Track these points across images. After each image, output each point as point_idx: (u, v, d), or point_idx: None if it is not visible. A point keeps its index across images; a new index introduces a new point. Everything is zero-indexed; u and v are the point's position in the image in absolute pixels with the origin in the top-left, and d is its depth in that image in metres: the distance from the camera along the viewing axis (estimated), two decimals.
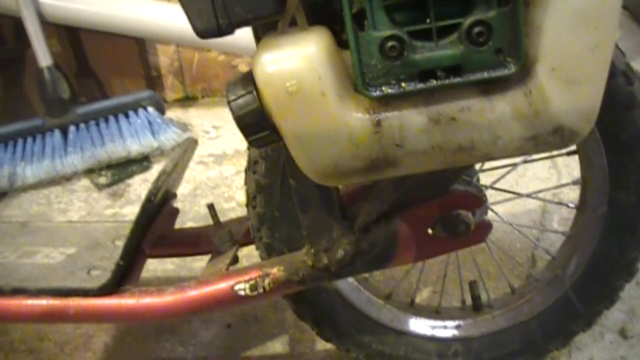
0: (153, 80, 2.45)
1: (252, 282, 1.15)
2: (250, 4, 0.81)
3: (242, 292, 1.16)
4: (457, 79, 0.80)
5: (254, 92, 0.86)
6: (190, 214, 1.90)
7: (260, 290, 1.15)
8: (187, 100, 2.51)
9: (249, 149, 1.19)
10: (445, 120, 0.83)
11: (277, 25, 0.87)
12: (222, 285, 1.17)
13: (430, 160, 0.86)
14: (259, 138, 0.89)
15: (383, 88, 0.80)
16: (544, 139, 0.85)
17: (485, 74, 0.80)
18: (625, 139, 1.13)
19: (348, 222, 1.11)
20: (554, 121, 0.83)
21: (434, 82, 0.80)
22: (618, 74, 1.10)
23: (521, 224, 1.68)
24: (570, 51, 0.81)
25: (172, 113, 2.42)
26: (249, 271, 1.17)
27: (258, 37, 0.93)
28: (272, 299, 1.19)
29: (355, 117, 0.82)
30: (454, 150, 0.85)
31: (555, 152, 1.30)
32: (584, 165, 1.24)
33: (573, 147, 1.24)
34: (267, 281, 1.15)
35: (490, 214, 1.22)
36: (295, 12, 0.84)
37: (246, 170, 1.20)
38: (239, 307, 1.21)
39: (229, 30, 0.84)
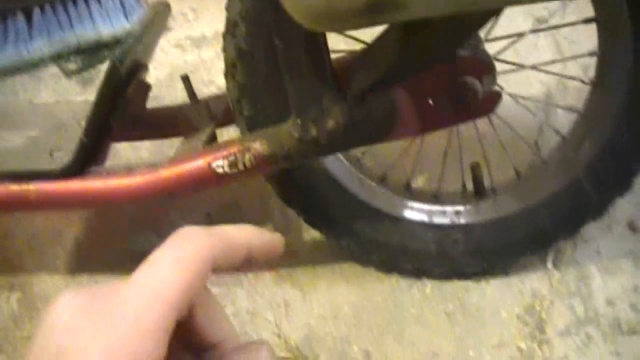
0: None
1: (232, 158, 1.04)
2: None
3: (220, 170, 1.05)
4: None
5: None
6: (167, 99, 1.77)
7: (241, 167, 1.04)
8: None
9: (227, 10, 1.05)
10: None
11: None
12: (198, 163, 1.06)
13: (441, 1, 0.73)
14: None
15: None
16: None
17: None
18: None
19: (341, 90, 0.99)
20: None
21: None
22: None
23: (532, 99, 1.57)
24: None
25: None
26: (228, 146, 1.05)
27: None
28: (254, 176, 1.08)
29: None
30: None
31: (570, 21, 1.19)
32: (605, 34, 1.13)
33: (590, 14, 1.12)
34: (247, 156, 1.03)
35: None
36: None
37: (224, 35, 1.07)
38: (217, 187, 1.09)
39: None
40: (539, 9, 1.92)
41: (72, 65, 2.00)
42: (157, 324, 0.38)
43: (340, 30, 0.81)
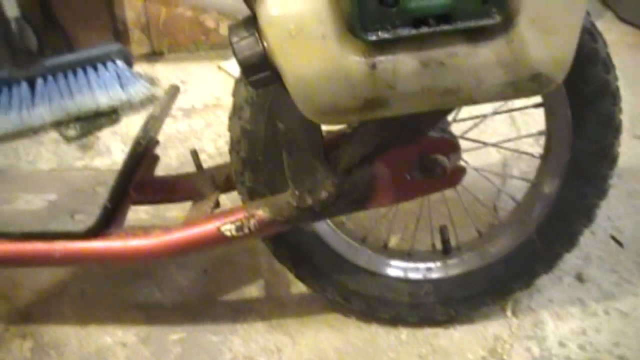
0: (119, 34, 2.44)
1: (238, 222, 1.20)
2: None
3: (228, 233, 1.21)
4: (447, 26, 0.86)
5: (256, 34, 0.91)
6: (161, 164, 1.90)
7: (246, 230, 1.20)
8: (153, 56, 2.52)
9: (233, 95, 1.23)
10: (434, 64, 0.89)
11: None
12: (209, 226, 1.22)
13: (419, 102, 0.93)
14: (259, 79, 0.94)
15: (379, 33, 0.86)
16: (523, 84, 0.92)
17: (473, 23, 0.86)
18: (589, 92, 1.21)
19: (331, 165, 1.17)
20: (533, 68, 0.90)
21: (425, 29, 0.86)
22: (584, 32, 1.17)
23: (492, 172, 1.76)
24: (548, 4, 0.87)
25: (139, 67, 2.43)
26: (235, 212, 1.22)
27: None
28: (257, 238, 1.24)
29: (352, 60, 0.88)
30: (441, 93, 0.91)
31: (522, 105, 1.39)
32: (549, 116, 1.31)
33: (539, 100, 1.32)
34: (252, 222, 1.20)
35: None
36: None
37: (230, 117, 1.24)
38: (224, 247, 1.25)
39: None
40: None
41: (71, 132, 2.14)
42: None
43: (339, 123, 0.99)
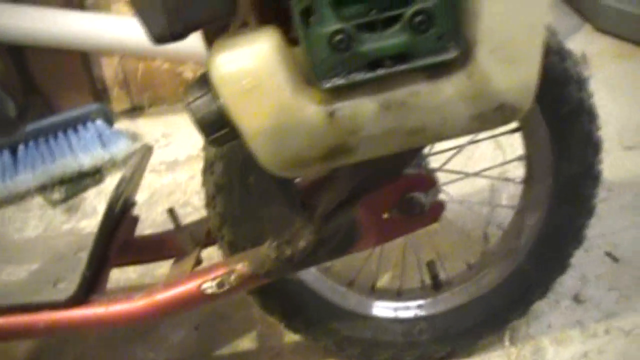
0: (99, 93, 2.45)
1: (219, 279, 1.18)
2: (203, 9, 0.84)
3: (209, 291, 1.18)
4: (404, 66, 0.84)
5: (211, 93, 0.89)
6: (148, 221, 1.91)
7: (227, 286, 1.18)
8: (135, 111, 2.52)
9: (204, 150, 1.21)
10: (395, 105, 0.87)
11: (228, 28, 0.91)
12: (189, 286, 1.19)
13: (384, 145, 0.91)
14: (218, 137, 0.92)
15: (334, 79, 0.84)
16: (489, 116, 0.90)
17: (429, 60, 0.84)
18: (564, 112, 1.19)
19: (308, 213, 1.15)
20: (496, 99, 0.88)
21: (381, 71, 0.84)
22: (552, 53, 1.15)
23: (475, 202, 1.74)
24: (506, 33, 0.86)
25: (121, 124, 2.42)
26: (215, 269, 1.19)
27: (209, 41, 0.96)
28: (239, 294, 1.22)
29: (310, 109, 0.86)
30: (406, 134, 0.89)
31: (499, 132, 1.37)
32: (528, 141, 1.30)
33: (516, 125, 1.30)
34: (233, 277, 1.18)
35: (443, 196, 1.27)
36: (246, 14, 0.88)
37: (203, 172, 1.22)
38: (207, 305, 1.23)
39: (184, 34, 0.87)
40: None
41: (56, 195, 2.13)
42: None
43: (305, 174, 0.97)
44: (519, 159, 1.36)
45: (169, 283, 1.23)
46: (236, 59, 0.85)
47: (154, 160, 2.18)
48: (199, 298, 1.20)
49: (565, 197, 1.27)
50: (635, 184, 1.90)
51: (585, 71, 2.32)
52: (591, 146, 1.22)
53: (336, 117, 0.86)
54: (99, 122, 2.17)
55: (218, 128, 0.91)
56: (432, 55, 0.84)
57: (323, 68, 0.84)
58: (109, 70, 2.42)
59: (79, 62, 2.34)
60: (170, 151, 2.24)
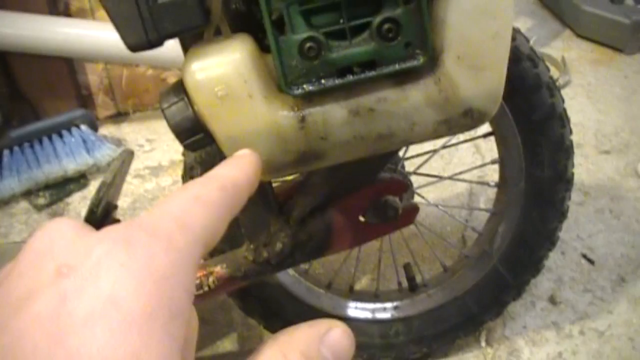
0: (84, 99, 2.46)
1: (197, 281, 1.20)
2: (178, 18, 0.86)
3: None
4: (372, 73, 0.86)
5: (186, 99, 0.92)
6: None
7: (206, 288, 1.20)
8: (119, 116, 2.53)
9: (184, 155, 1.23)
10: (364, 111, 0.89)
11: (203, 36, 0.93)
12: None
13: (354, 150, 0.93)
14: (193, 142, 0.94)
15: (304, 86, 0.86)
16: (456, 121, 0.92)
17: (397, 67, 0.87)
18: (536, 117, 1.22)
19: (284, 216, 1.17)
20: (463, 104, 0.91)
21: (350, 77, 0.87)
22: (524, 59, 1.18)
23: (449, 205, 1.77)
24: (472, 40, 0.88)
25: (106, 130, 2.44)
26: None
27: (185, 48, 0.98)
28: (218, 296, 1.24)
29: (281, 115, 0.88)
30: (375, 139, 0.92)
31: (472, 136, 1.40)
32: (501, 145, 1.33)
33: (489, 129, 1.33)
34: (211, 279, 1.20)
35: (421, 200, 1.30)
36: (219, 22, 0.90)
37: (183, 177, 1.24)
38: None
39: (159, 43, 0.89)
40: None
41: (41, 200, 2.14)
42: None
43: (277, 178, 0.99)
44: (492, 162, 1.39)
45: None
46: (209, 66, 0.87)
47: (137, 166, 2.20)
48: None
49: (538, 200, 1.30)
50: (611, 187, 1.93)
51: (564, 76, 2.38)
52: (563, 150, 1.25)
53: (307, 123, 0.89)
54: (84, 128, 2.19)
55: (193, 133, 0.93)
56: (399, 63, 0.86)
57: (294, 75, 0.86)
58: (93, 76, 2.44)
59: (64, 68, 2.35)
60: (154, 156, 2.26)
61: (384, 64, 0.87)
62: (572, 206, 1.33)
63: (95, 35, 2.20)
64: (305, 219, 1.17)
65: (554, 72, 2.57)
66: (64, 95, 2.40)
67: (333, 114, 0.89)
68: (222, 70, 0.87)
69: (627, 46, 2.71)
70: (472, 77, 0.90)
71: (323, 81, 0.87)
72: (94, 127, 2.23)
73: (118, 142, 2.34)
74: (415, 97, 0.90)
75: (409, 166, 1.36)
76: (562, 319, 1.55)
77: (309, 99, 0.89)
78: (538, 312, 1.57)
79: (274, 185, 1.22)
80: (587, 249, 1.74)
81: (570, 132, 1.26)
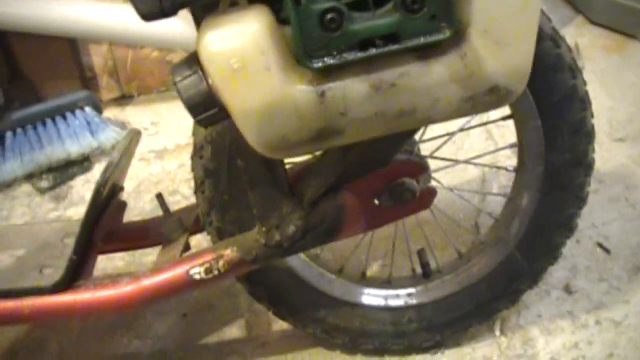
0: (88, 81, 2.41)
1: (207, 265, 1.17)
2: None
3: (197, 276, 1.17)
4: (395, 46, 0.83)
5: (200, 72, 0.88)
6: (135, 210, 1.89)
7: (215, 272, 1.17)
8: (124, 99, 2.49)
9: (193, 134, 1.20)
10: (385, 86, 0.86)
11: (216, 7, 0.89)
12: (178, 271, 1.18)
13: (374, 127, 0.89)
14: (206, 117, 0.90)
15: (324, 59, 0.83)
16: (481, 98, 0.89)
17: (422, 40, 0.83)
18: (556, 100, 1.18)
19: (297, 198, 1.14)
20: (489, 81, 0.87)
21: (373, 51, 0.83)
22: (546, 38, 1.14)
23: (464, 190, 1.73)
24: (499, 14, 0.85)
25: (110, 112, 2.40)
26: (203, 254, 1.18)
27: (198, 20, 0.94)
28: (228, 280, 1.21)
29: (299, 90, 0.85)
30: (396, 115, 0.88)
31: (491, 119, 1.36)
32: (519, 128, 1.29)
33: (508, 112, 1.29)
34: (221, 263, 1.16)
35: (433, 183, 1.26)
36: None
37: (192, 157, 1.21)
38: (195, 291, 1.21)
39: (172, 12, 0.85)
40: None
41: (44, 183, 2.11)
42: None
43: (293, 156, 0.96)
44: (510, 146, 1.35)
45: (156, 269, 1.22)
46: (225, 37, 0.84)
47: (142, 149, 2.17)
48: (186, 284, 1.18)
49: (556, 185, 1.26)
50: (625, 175, 1.90)
51: (578, 62, 2.33)
52: (584, 134, 1.21)
53: (326, 98, 0.85)
54: (88, 110, 2.15)
55: (206, 108, 0.89)
56: (423, 36, 0.83)
57: (313, 47, 0.82)
58: (97, 58, 2.39)
59: (66, 49, 2.31)
60: (159, 139, 2.22)
61: (408, 37, 0.83)
62: None
63: (99, 14, 2.17)
64: (318, 201, 1.14)
65: None
66: (66, 76, 2.36)
67: (353, 89, 0.85)
68: (239, 41, 0.83)
69: None
70: (498, 53, 0.86)
71: (344, 54, 0.83)
72: (98, 109, 2.19)
73: (122, 125, 2.30)
74: (439, 72, 0.86)
75: (422, 151, 1.32)
76: (577, 308, 1.51)
77: (329, 72, 0.85)
78: (553, 300, 1.53)
79: (287, 167, 1.19)
80: (602, 237, 1.70)
81: (592, 115, 1.22)
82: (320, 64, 0.83)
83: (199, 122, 0.91)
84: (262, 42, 0.83)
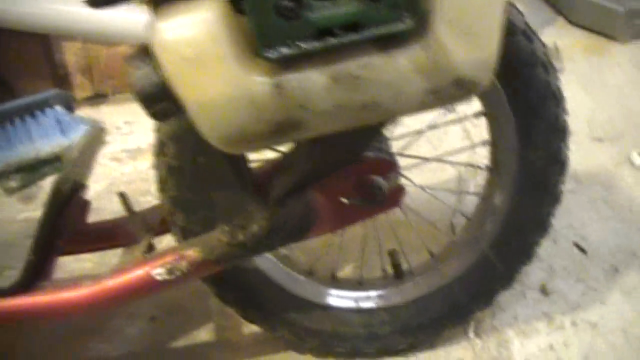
0: (61, 79, 2.37)
1: (169, 265, 1.13)
2: None
3: (159, 277, 1.13)
4: (355, 36, 0.80)
5: (153, 63, 0.84)
6: (107, 210, 1.85)
7: (178, 273, 1.13)
8: (98, 98, 2.45)
9: (156, 131, 1.16)
10: (346, 78, 0.82)
11: None
12: (139, 272, 1.14)
13: (336, 120, 0.86)
14: (160, 109, 0.87)
15: (281, 49, 0.79)
16: (446, 91, 0.86)
17: (382, 30, 0.80)
18: (530, 96, 1.15)
19: (262, 196, 1.10)
20: (453, 73, 0.84)
21: (331, 41, 0.80)
22: (518, 33, 1.12)
23: (436, 188, 1.69)
24: (464, 3, 0.82)
25: (83, 111, 2.34)
26: (165, 255, 1.14)
27: (155, 10, 0.91)
28: (192, 281, 1.17)
29: (256, 81, 0.81)
30: (358, 108, 0.85)
31: (462, 116, 1.33)
32: (492, 125, 1.26)
33: (481, 109, 1.26)
34: (184, 263, 1.13)
35: (408, 184, 1.23)
36: None
37: (155, 155, 1.17)
38: (158, 293, 1.17)
39: None
40: None
41: (13, 183, 2.05)
42: None
43: (251, 150, 0.92)
44: (483, 144, 1.32)
45: (118, 270, 1.18)
46: (178, 26, 0.80)
47: (115, 148, 2.13)
48: (149, 285, 1.15)
49: (530, 183, 1.24)
50: (604, 176, 1.88)
51: (557, 64, 2.31)
52: (558, 131, 1.19)
53: (283, 90, 0.82)
54: (58, 108, 2.09)
55: (159, 100, 0.86)
56: (385, 25, 0.80)
57: (269, 37, 0.79)
58: (71, 56, 2.35)
59: (39, 46, 2.27)
60: (133, 139, 2.18)
61: (368, 27, 0.80)
62: (564, 194, 1.26)
63: (72, 10, 2.12)
64: (284, 200, 1.10)
65: None
66: (40, 75, 2.32)
67: (312, 81, 0.82)
68: (192, 30, 0.80)
69: (621, 34, 2.64)
70: (463, 44, 0.83)
71: (301, 44, 0.79)
72: (70, 108, 2.13)
73: (95, 123, 2.25)
74: (402, 63, 0.83)
75: (395, 149, 1.29)
76: (553, 309, 1.48)
77: (287, 63, 0.81)
78: (529, 302, 1.50)
79: (254, 166, 1.15)
80: (579, 237, 1.67)
81: (566, 112, 1.20)
82: (275, 55, 0.79)
83: (152, 116, 0.88)
84: (217, 32, 0.80)
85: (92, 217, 1.45)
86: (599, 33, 2.71)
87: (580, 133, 2.05)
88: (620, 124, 2.12)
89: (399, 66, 0.83)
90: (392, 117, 0.90)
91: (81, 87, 2.42)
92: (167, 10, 0.82)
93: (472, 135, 1.94)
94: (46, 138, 2.06)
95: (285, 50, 0.79)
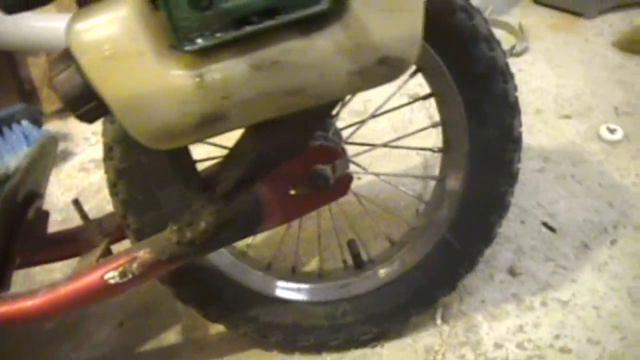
0: (28, 94, 2.36)
1: (121, 268, 1.12)
2: None
3: (112, 281, 1.12)
4: (271, 22, 0.79)
5: (74, 65, 0.83)
6: (76, 220, 1.83)
7: (130, 275, 1.12)
8: (66, 111, 2.44)
9: (102, 136, 1.15)
10: (267, 65, 0.81)
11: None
12: (92, 277, 1.13)
13: (263, 108, 0.85)
14: (86, 111, 0.86)
15: (197, 41, 0.78)
16: (372, 70, 0.85)
17: (300, 13, 0.79)
18: (475, 72, 1.15)
19: (208, 193, 1.09)
20: (377, 52, 0.83)
21: (247, 28, 0.79)
22: (458, 10, 1.11)
23: (390, 174, 1.68)
24: None
25: (52, 124, 2.35)
26: (117, 258, 1.13)
27: None
28: (145, 282, 1.16)
29: (176, 75, 0.80)
30: (283, 95, 0.84)
31: (412, 99, 1.32)
32: (441, 106, 1.25)
33: (429, 90, 1.25)
34: (135, 265, 1.11)
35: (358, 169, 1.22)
36: None
37: (104, 159, 1.16)
38: (114, 296, 1.16)
39: (37, 3, 0.81)
40: (412, 87, 2.07)
41: None
42: None
43: (177, 145, 0.91)
44: (433, 126, 1.31)
45: (72, 276, 1.17)
46: (94, 26, 0.80)
47: (83, 159, 2.12)
48: (103, 289, 1.13)
49: (484, 162, 1.23)
50: (572, 152, 1.87)
51: (522, 43, 2.32)
52: (507, 107, 1.18)
53: (205, 82, 0.81)
54: (25, 123, 2.09)
55: (85, 102, 0.85)
56: (302, 8, 0.79)
57: (184, 29, 0.78)
58: (36, 70, 2.34)
59: (4, 62, 2.26)
60: (100, 149, 2.17)
61: (285, 12, 0.78)
62: (531, 173, 1.26)
63: (34, 26, 2.12)
64: (231, 195, 1.09)
65: (512, 40, 2.50)
66: (6, 91, 2.31)
67: (233, 70, 0.81)
68: (108, 28, 0.79)
69: (587, 10, 2.64)
70: (384, 21, 0.82)
71: (217, 34, 0.78)
72: (37, 122, 2.13)
73: (63, 137, 2.25)
74: (323, 46, 0.82)
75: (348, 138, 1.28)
76: (522, 290, 1.47)
77: (205, 55, 0.80)
78: (497, 284, 1.49)
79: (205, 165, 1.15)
80: (548, 216, 1.66)
81: (515, 88, 1.19)
82: (192, 47, 0.78)
83: (79, 118, 0.87)
84: (133, 28, 0.79)
85: (62, 228, 1.46)
86: (565, 10, 2.71)
87: (547, 110, 2.04)
88: (588, 99, 2.11)
89: (321, 49, 0.82)
90: (321, 101, 0.88)
91: (48, 101, 2.41)
92: (82, 12, 0.81)
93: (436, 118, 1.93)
94: (13, 153, 2.05)
95: (202, 42, 0.78)
